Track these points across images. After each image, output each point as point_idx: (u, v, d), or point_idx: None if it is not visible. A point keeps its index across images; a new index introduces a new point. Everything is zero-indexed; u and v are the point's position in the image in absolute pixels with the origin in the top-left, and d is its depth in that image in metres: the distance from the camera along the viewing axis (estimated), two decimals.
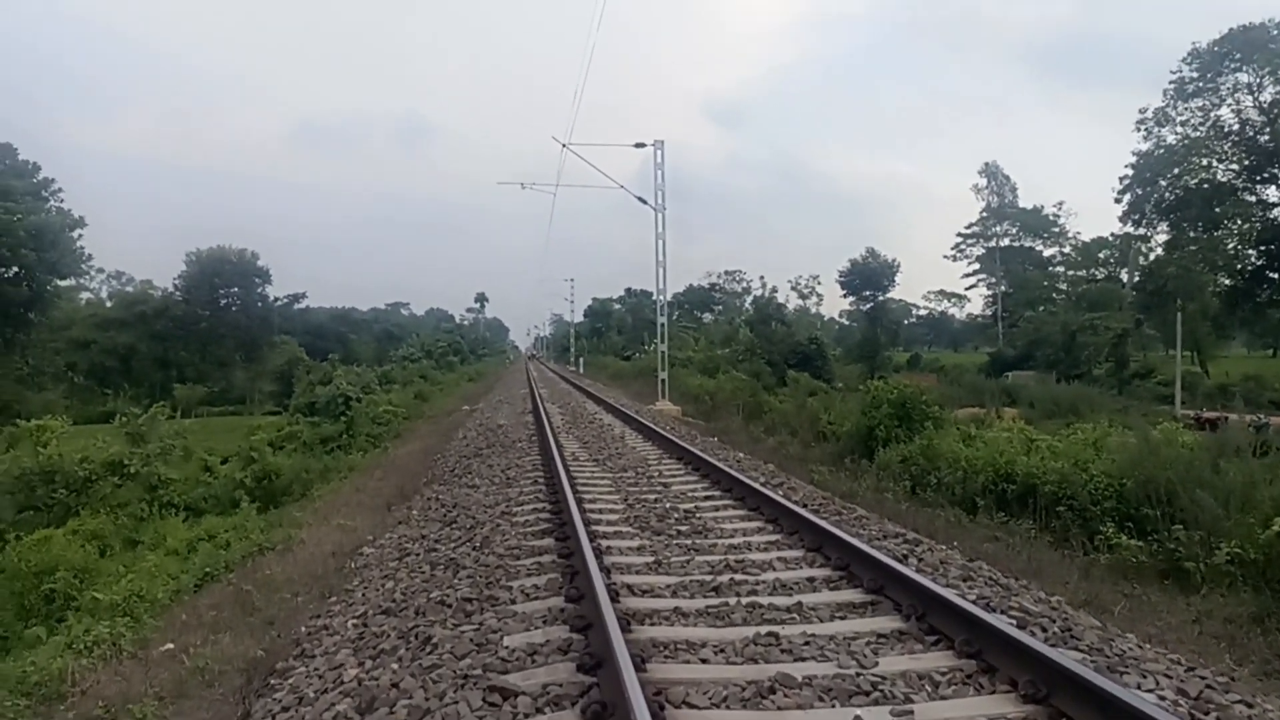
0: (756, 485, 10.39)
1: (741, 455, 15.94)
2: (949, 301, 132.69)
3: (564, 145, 32.87)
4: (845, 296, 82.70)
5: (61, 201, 40.95)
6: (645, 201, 32.44)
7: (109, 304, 79.86)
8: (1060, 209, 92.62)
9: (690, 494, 10.83)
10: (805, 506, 9.44)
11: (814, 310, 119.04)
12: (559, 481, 10.60)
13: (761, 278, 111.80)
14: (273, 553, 12.64)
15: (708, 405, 33.78)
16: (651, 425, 19.19)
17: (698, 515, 9.43)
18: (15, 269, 34.91)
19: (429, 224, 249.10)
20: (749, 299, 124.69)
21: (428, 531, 10.24)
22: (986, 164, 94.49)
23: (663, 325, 32.81)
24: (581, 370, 76.66)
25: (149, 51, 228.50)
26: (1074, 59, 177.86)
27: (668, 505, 9.98)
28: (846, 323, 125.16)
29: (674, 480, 11.97)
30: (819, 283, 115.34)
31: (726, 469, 11.67)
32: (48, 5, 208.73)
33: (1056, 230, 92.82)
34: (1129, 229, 67.40)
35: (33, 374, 40.37)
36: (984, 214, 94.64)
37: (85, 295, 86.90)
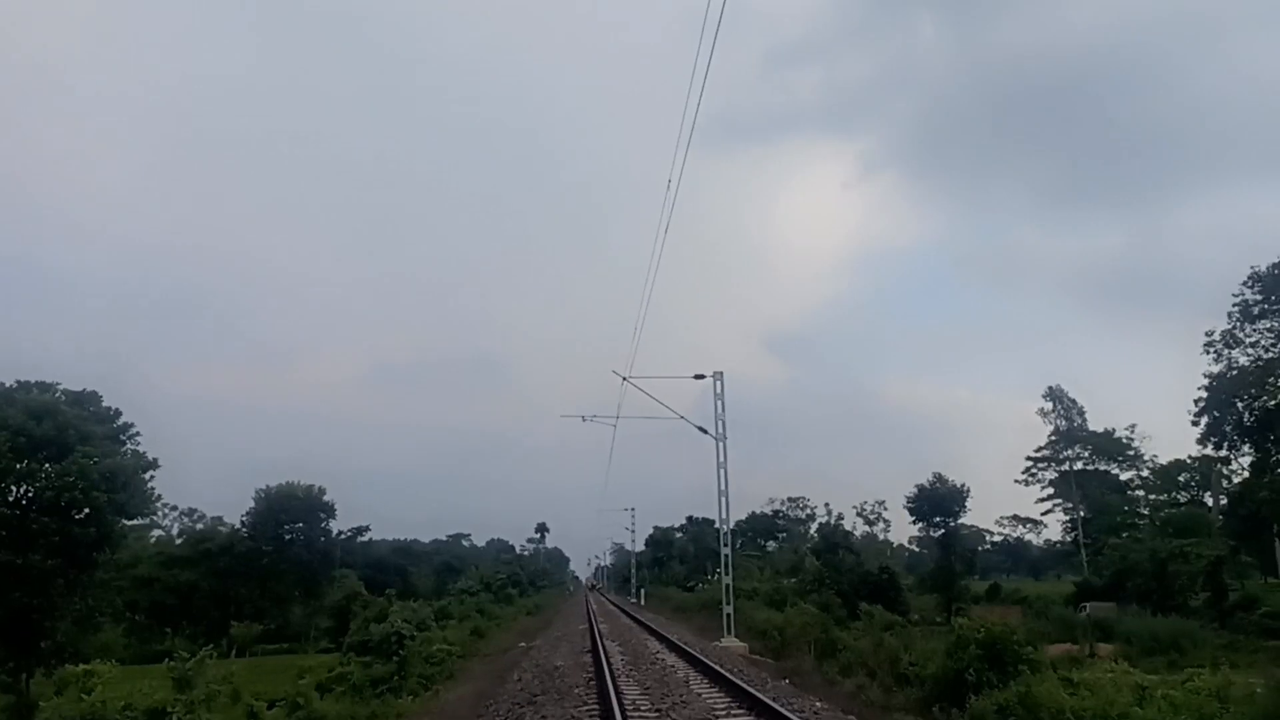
0: None
1: (819, 704, 14.53)
2: (1024, 527, 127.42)
3: (624, 379, 33.30)
4: (914, 523, 79.95)
5: (138, 444, 42.91)
6: (706, 431, 32.27)
7: (179, 541, 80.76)
8: (1133, 431, 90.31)
9: None
10: None
11: (881, 537, 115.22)
12: None
13: (827, 504, 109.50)
14: None
15: (776, 641, 31.78)
16: (718, 667, 17.87)
17: None
18: (86, 510, 35.68)
19: (492, 456, 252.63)
20: (813, 526, 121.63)
21: None
22: (1051, 388, 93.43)
23: (726, 556, 31.57)
24: (643, 602, 74.01)
25: (235, 306, 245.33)
26: (1127, 287, 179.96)
27: None
28: (916, 549, 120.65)
29: None
30: (885, 509, 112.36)
31: None
32: (150, 270, 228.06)
33: (1131, 453, 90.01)
34: (1209, 451, 64.99)
35: (89, 614, 40.10)
36: (1053, 437, 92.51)
37: (156, 533, 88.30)
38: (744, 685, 14.58)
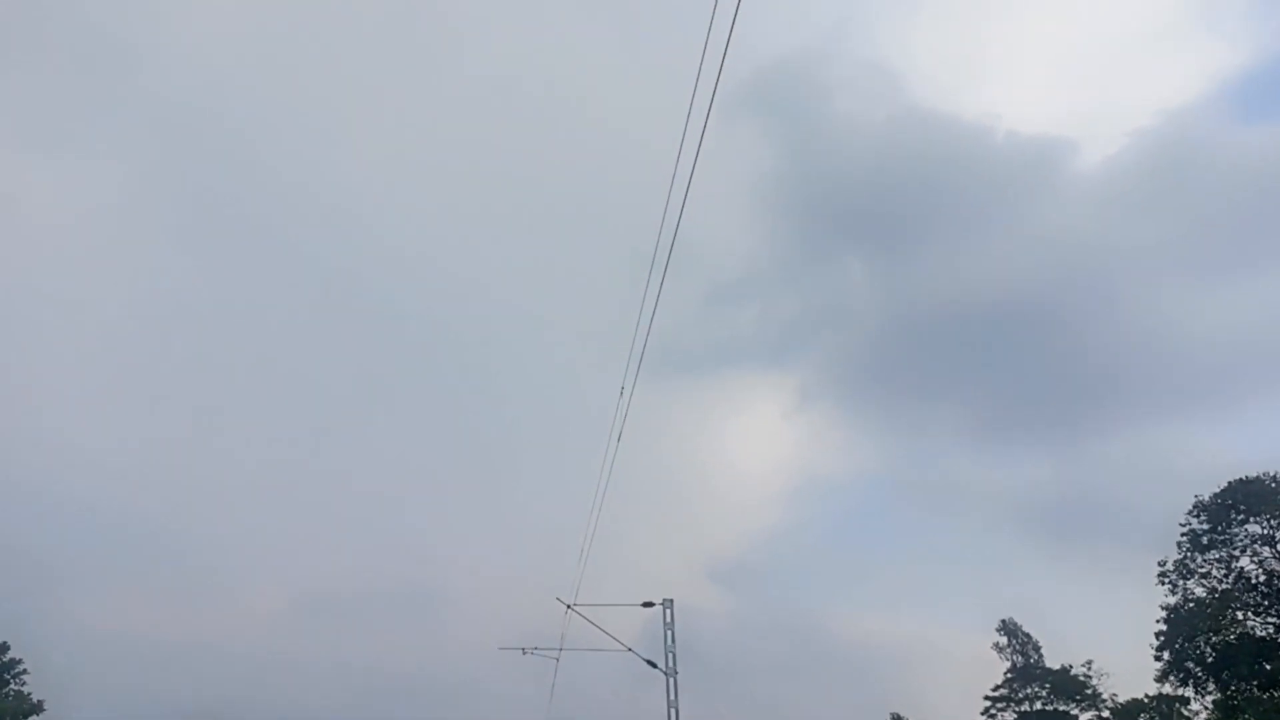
0: None
1: None
2: None
3: (569, 606, 30.78)
4: None
5: (24, 685, 38.29)
6: (655, 665, 29.47)
7: None
8: (1090, 669, 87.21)
9: None
10: None
11: None
12: None
13: None
14: None
15: None
16: None
17: None
18: None
19: (424, 695, 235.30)
20: None
21: None
22: (1004, 621, 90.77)
23: None
24: None
25: (151, 528, 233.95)
26: (1060, 517, 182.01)
27: None
28: None
29: None
30: None
31: None
32: (50, 495, 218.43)
33: (1090, 692, 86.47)
34: (1168, 688, 62.51)
35: None
36: (1009, 674, 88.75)
37: None
38: None
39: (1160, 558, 54.53)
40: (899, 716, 70.61)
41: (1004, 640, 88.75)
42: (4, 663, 38.28)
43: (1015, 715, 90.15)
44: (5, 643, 37.66)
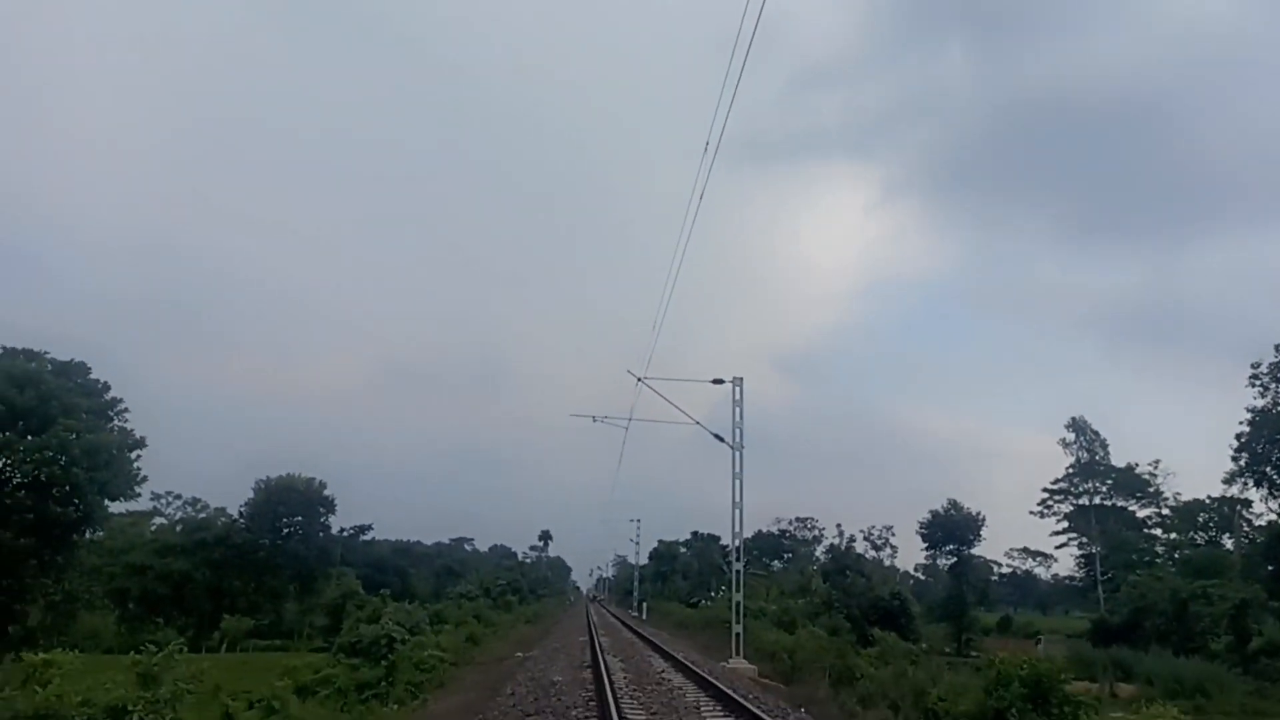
0: None
1: None
2: (1034, 560, 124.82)
3: (639, 379, 31.65)
4: (925, 550, 77.86)
5: (126, 422, 40.36)
6: (722, 439, 30.58)
7: (179, 530, 79.22)
8: (1156, 468, 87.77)
9: None
10: None
11: (888, 563, 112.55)
12: None
13: (839, 526, 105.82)
14: None
15: (787, 665, 29.95)
16: (730, 692, 16.10)
17: None
18: (65, 487, 33.61)
19: (499, 460, 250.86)
20: (819, 548, 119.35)
21: None
22: (1074, 419, 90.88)
23: (739, 572, 29.75)
24: (644, 616, 72.00)
25: (243, 306, 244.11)
26: (1146, 323, 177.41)
27: None
28: (922, 577, 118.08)
29: None
30: (893, 534, 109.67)
31: None
32: (154, 240, 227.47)
33: (1152, 490, 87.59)
34: (1237, 490, 62.77)
35: (68, 600, 38.10)
36: (1071, 470, 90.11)
37: (159, 521, 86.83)
38: (765, 717, 12.82)
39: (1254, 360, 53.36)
40: (955, 502, 72.67)
41: (1071, 437, 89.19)
42: (106, 401, 40.20)
43: (1072, 508, 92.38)
44: (106, 382, 39.97)
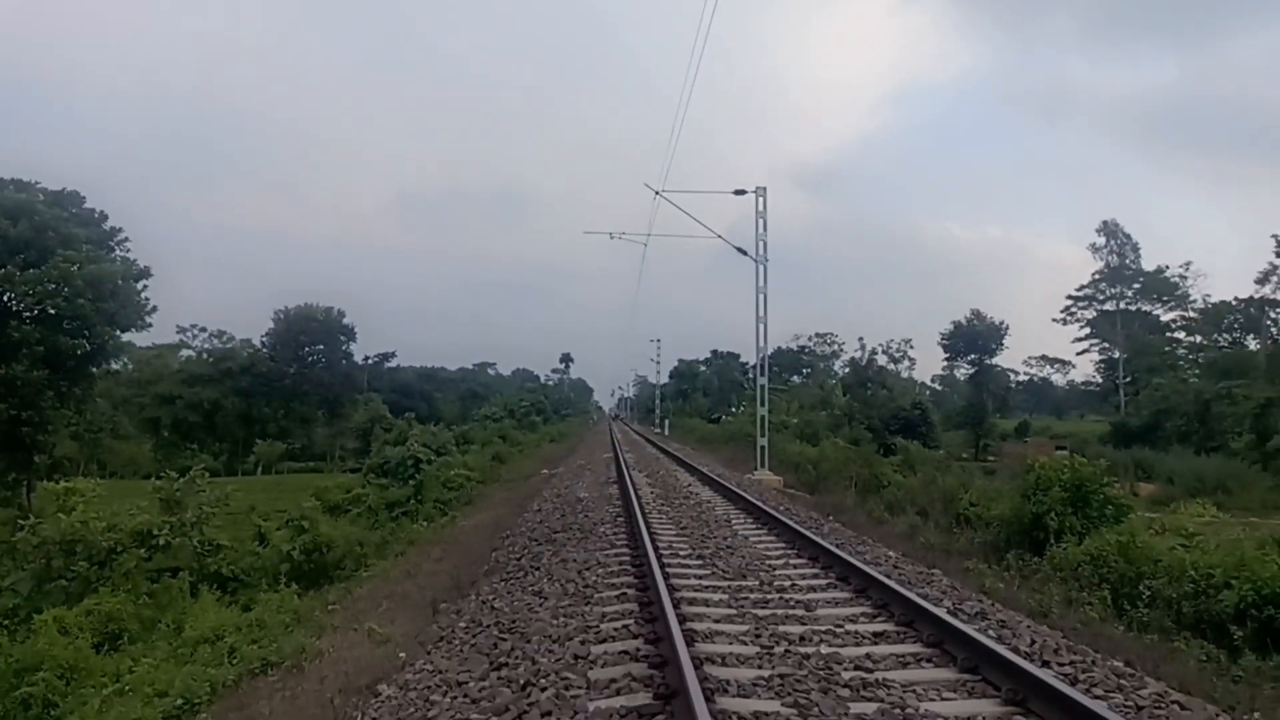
0: (937, 611, 6.87)
1: (890, 551, 12.26)
2: (1051, 368, 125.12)
3: (657, 193, 30.11)
4: (947, 360, 77.91)
5: (128, 252, 39.03)
6: (745, 252, 29.32)
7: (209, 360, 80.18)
8: (1187, 270, 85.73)
9: (853, 628, 7.29)
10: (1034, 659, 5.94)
11: (906, 375, 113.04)
12: (660, 603, 7.25)
13: (861, 339, 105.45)
14: (274, 675, 9.54)
15: (811, 476, 30.07)
16: (759, 503, 15.70)
17: (878, 673, 5.96)
18: (73, 320, 33.03)
19: (519, 285, 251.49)
20: (838, 362, 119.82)
21: (469, 673, 6.97)
22: (1105, 222, 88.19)
23: (763, 386, 29.24)
24: (667, 432, 73.18)
25: (260, 121, 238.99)
26: (1179, 122, 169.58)
27: (826, 650, 6.51)
28: (939, 388, 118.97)
29: (820, 600, 8.44)
30: (911, 346, 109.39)
31: (902, 590, 8.07)
32: (162, 80, 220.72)
33: (1179, 294, 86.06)
34: (1267, 290, 61.35)
35: (89, 430, 38.54)
36: (1097, 275, 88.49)
37: (186, 353, 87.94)
38: (797, 527, 12.32)
39: None
40: (978, 312, 71.94)
41: (1101, 241, 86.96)
42: (105, 231, 38.69)
43: (1095, 313, 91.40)
44: (103, 211, 38.37)
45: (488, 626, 8.64)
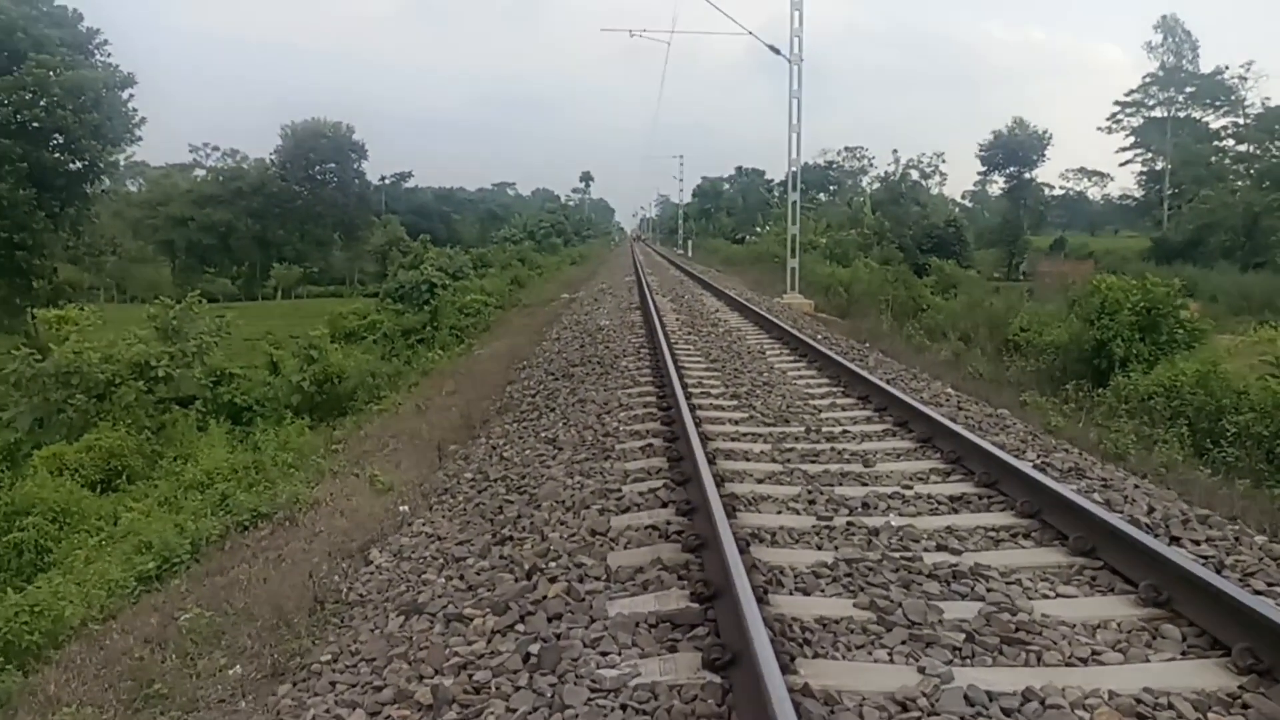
0: (1025, 467, 5.64)
1: (950, 390, 11.02)
2: (1088, 181, 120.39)
3: None
4: (981, 174, 74.54)
5: (109, 57, 35.80)
6: (778, 51, 26.77)
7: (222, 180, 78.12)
8: (1248, 70, 79.33)
9: (925, 489, 6.10)
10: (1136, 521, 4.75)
11: (936, 191, 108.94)
12: (692, 458, 6.07)
13: (895, 152, 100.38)
14: (264, 529, 8.67)
15: (843, 300, 28.80)
16: (794, 330, 14.47)
17: (968, 555, 4.79)
18: (57, 134, 30.88)
19: (537, 100, 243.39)
20: (865, 179, 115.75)
21: (468, 545, 5.92)
22: (1164, 17, 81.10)
23: (794, 202, 27.45)
24: (690, 254, 71.59)
25: None
26: None
27: (897, 522, 5.33)
28: (969, 205, 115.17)
29: (879, 452, 7.25)
30: (943, 161, 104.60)
31: (975, 439, 6.81)
32: None
33: (1235, 98, 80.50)
34: None
35: (90, 253, 37.20)
36: (1148, 79, 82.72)
37: (199, 173, 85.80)
38: (839, 359, 11.09)
39: None
40: (1021, 120, 68.02)
41: (1158, 39, 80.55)
42: (82, 32, 35.04)
43: (1142, 120, 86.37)
44: (77, 10, 35.55)
45: (495, 481, 7.59)
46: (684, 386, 9.15)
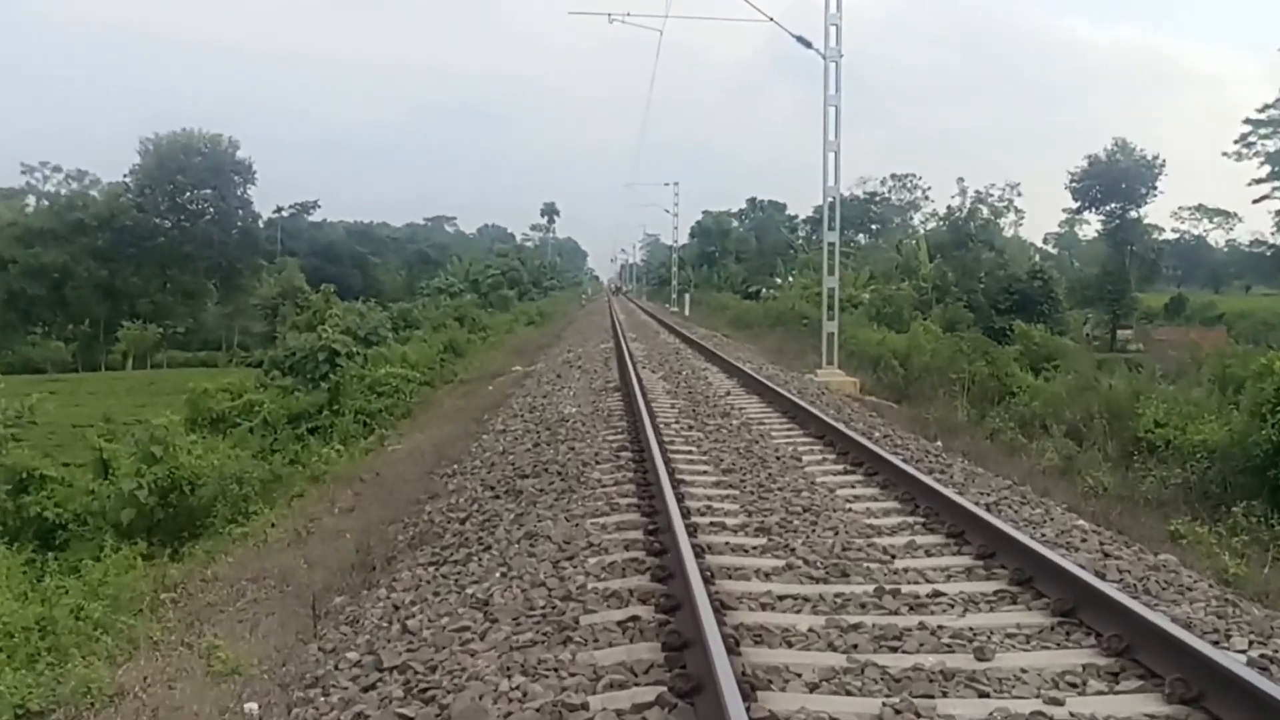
0: (1247, 675, 4.51)
1: (1080, 519, 10.00)
2: (1210, 222, 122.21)
3: None
4: (1076, 211, 75.00)
5: None
6: (808, 44, 26.50)
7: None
8: None
9: (1052, 673, 4.99)
10: None
11: (1010, 233, 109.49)
12: (698, 628, 5.19)
13: (960, 181, 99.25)
14: None
15: (898, 378, 28.14)
16: (838, 425, 13.55)
17: None
18: None
19: (487, 109, 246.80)
20: (918, 215, 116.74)
21: None
22: None
23: (832, 245, 26.89)
24: (687, 311, 71.40)
25: None
26: None
27: None
28: (1053, 251, 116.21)
29: (980, 614, 6.26)
30: (1018, 193, 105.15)
31: (1119, 597, 5.72)
32: None
33: None
34: None
35: None
36: None
37: (31, 201, 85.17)
38: (912, 471, 10.09)
39: None
40: (1123, 143, 68.59)
41: None
42: None
43: None
44: None
45: (388, 673, 6.42)
46: (685, 515, 8.24)
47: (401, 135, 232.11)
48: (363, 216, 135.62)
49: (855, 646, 5.78)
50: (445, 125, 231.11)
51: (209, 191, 71.45)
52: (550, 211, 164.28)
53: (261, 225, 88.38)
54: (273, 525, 15.68)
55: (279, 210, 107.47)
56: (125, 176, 70.10)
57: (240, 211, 74.83)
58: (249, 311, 72.48)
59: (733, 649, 5.29)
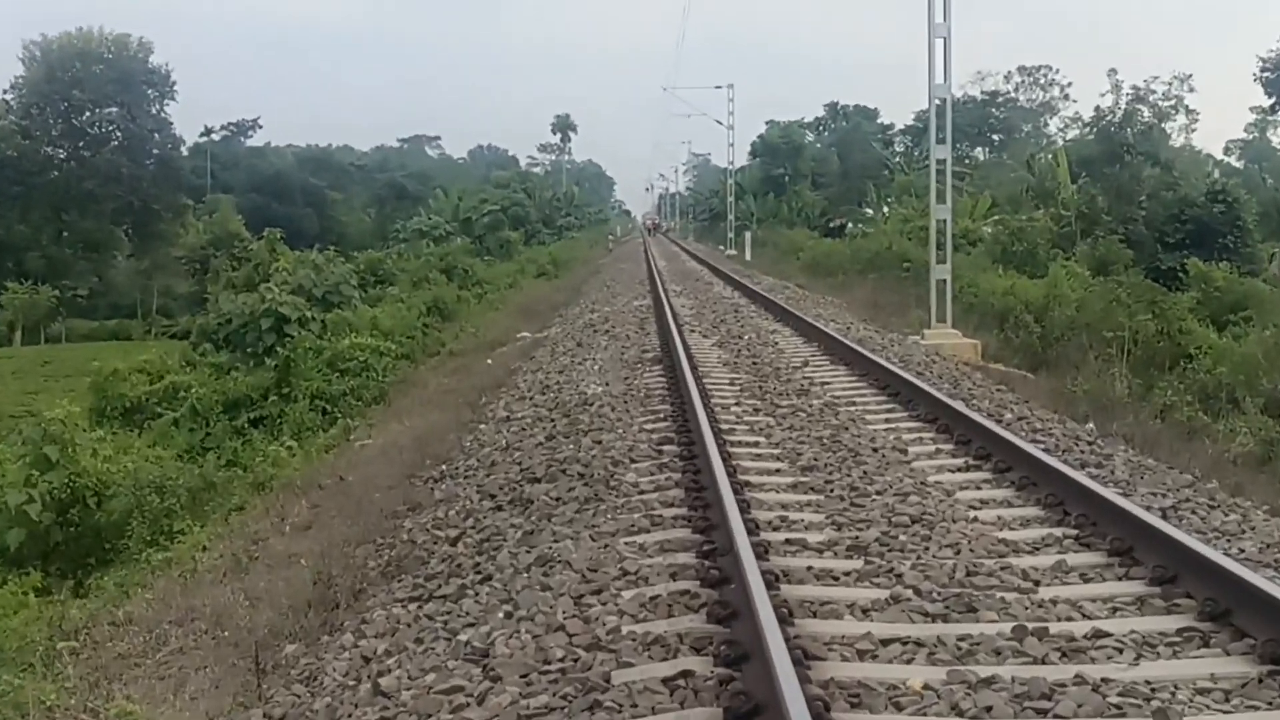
0: None
1: None
2: None
3: None
4: (1269, 111, 74.43)
5: None
6: None
7: None
8: None
9: None
10: None
11: (1180, 141, 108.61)
12: (774, 693, 5.13)
13: (1113, 74, 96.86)
14: None
15: (1032, 338, 28.21)
16: (955, 405, 13.61)
17: None
18: None
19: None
20: (1056, 121, 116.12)
21: None
22: None
23: (941, 162, 26.95)
24: (747, 255, 71.65)
25: None
26: None
27: None
28: (1237, 164, 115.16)
29: (1159, 664, 6.23)
30: (1190, 89, 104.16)
31: None
32: None
33: None
34: None
35: None
36: None
37: None
38: (1058, 466, 10.08)
39: None
40: None
41: None
42: None
43: None
44: None
45: None
46: (752, 530, 8.30)
47: (366, 29, 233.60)
48: (317, 139, 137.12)
49: (989, 709, 5.69)
50: (423, 14, 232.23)
51: (114, 110, 72.30)
52: (564, 127, 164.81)
53: (185, 153, 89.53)
54: (204, 549, 15.96)
55: (207, 133, 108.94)
56: (4, 93, 70.97)
57: (156, 135, 75.65)
58: (171, 266, 73.45)
59: (822, 716, 5.20)
